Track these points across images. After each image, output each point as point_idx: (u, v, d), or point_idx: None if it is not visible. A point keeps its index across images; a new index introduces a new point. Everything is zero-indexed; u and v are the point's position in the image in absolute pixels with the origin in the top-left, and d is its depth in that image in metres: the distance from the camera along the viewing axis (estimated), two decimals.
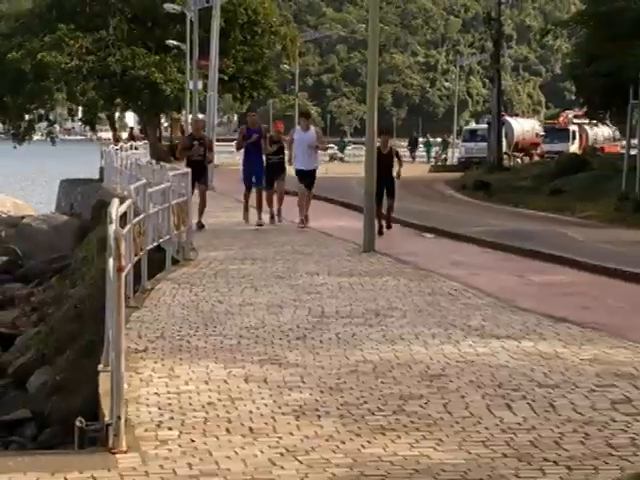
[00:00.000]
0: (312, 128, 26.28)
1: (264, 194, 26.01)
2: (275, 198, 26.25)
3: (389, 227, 24.27)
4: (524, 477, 7.07)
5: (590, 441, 7.92)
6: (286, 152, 26.33)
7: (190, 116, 50.78)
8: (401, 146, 58.35)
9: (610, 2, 36.39)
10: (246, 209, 26.01)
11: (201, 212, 24.64)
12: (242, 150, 27.08)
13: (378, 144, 23.01)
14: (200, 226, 24.12)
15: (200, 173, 24.19)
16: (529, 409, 8.83)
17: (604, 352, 11.20)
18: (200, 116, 48.25)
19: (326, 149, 28.73)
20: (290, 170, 26.07)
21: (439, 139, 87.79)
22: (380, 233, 22.81)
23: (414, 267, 18.36)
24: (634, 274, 17.81)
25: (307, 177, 25.23)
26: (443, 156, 76.99)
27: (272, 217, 25.96)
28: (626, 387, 9.60)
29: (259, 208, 25.44)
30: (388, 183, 23.99)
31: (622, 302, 15.22)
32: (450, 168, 66.55)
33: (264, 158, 25.86)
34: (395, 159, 24.92)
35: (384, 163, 23.25)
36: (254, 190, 26.08)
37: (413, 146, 79.04)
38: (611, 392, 9.40)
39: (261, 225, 24.99)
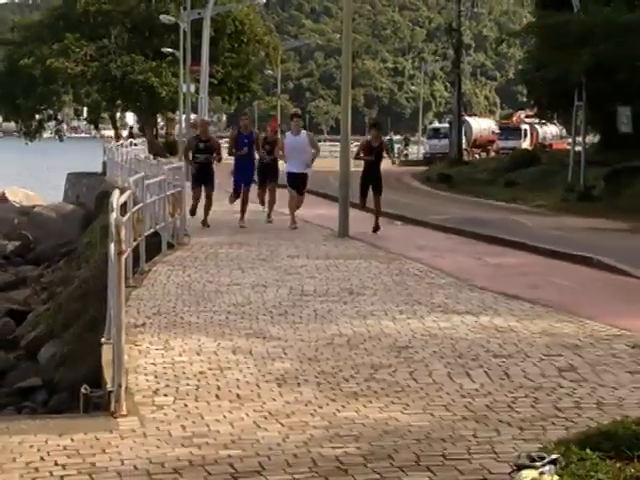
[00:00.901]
0: (303, 132, 22.53)
1: (257, 191, 24.38)
2: (267, 199, 24.00)
3: (376, 229, 21.60)
4: (481, 437, 7.09)
5: (539, 405, 7.95)
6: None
7: (184, 116, 50.53)
8: None
9: (557, 15, 36.49)
10: (243, 210, 22.74)
11: (207, 212, 22.30)
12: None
13: (369, 138, 22.08)
14: (205, 224, 22.16)
15: (206, 176, 22.18)
16: (486, 376, 8.86)
17: (552, 326, 11.23)
18: (192, 116, 48.06)
19: (317, 155, 23.07)
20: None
21: (401, 137, 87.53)
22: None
23: (384, 251, 18.35)
24: (578, 256, 17.88)
25: (298, 181, 22.02)
26: (405, 152, 76.75)
27: (269, 216, 23.45)
28: (571, 356, 9.64)
29: (243, 210, 22.67)
30: (376, 178, 21.56)
31: (568, 281, 15.25)
32: (416, 162, 66.63)
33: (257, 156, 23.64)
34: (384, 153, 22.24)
35: (374, 157, 21.44)
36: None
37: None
38: (558, 361, 9.44)
39: (243, 227, 22.13)
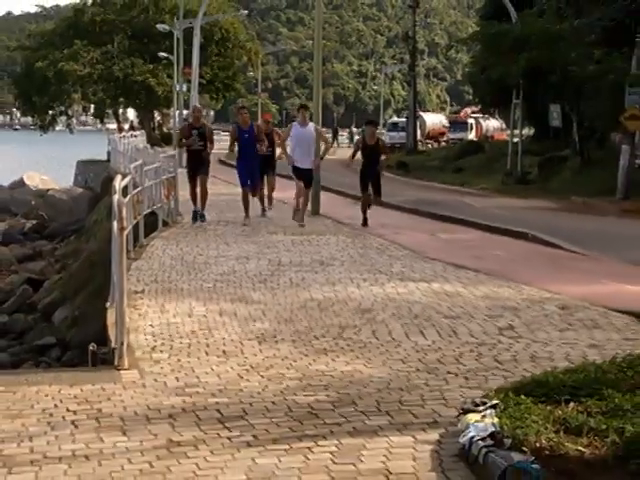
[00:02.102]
0: (311, 124, 18.90)
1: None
2: (265, 192, 20.39)
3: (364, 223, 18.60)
4: (432, 385, 7.12)
5: (482, 358, 7.99)
6: (277, 149, 20.40)
7: (177, 112, 50.30)
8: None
9: (497, 25, 36.61)
10: (246, 209, 18.84)
11: (204, 202, 18.74)
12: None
13: (364, 136, 19.53)
14: (201, 215, 18.71)
15: (200, 163, 18.56)
16: (437, 334, 8.88)
17: (493, 291, 11.27)
18: (185, 112, 47.73)
19: (328, 147, 20.14)
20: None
21: (360, 129, 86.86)
22: (365, 225, 18.49)
23: (350, 228, 18.34)
24: (516, 232, 17.94)
25: (304, 175, 18.52)
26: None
27: (263, 211, 19.89)
28: (510, 317, 9.68)
29: (247, 207, 18.79)
30: (373, 178, 18.61)
31: (507, 253, 15.32)
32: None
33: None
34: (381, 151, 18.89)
35: (370, 155, 18.47)
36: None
37: (334, 134, 78.44)
38: (498, 321, 9.48)
39: (246, 225, 18.12)
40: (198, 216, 18.71)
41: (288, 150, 18.91)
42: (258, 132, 18.85)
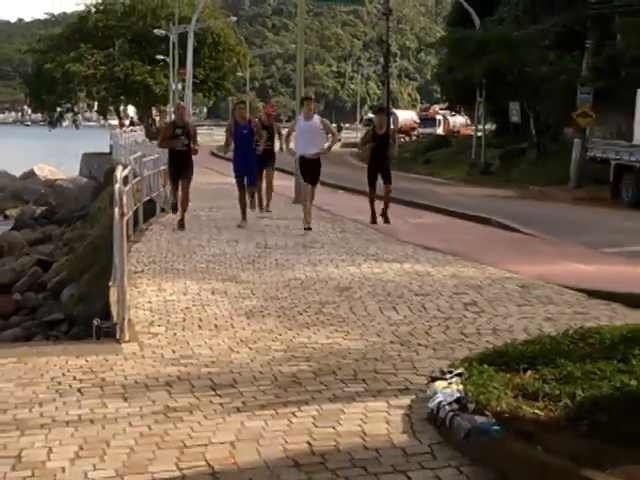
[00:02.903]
0: (316, 117, 15.64)
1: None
2: (263, 189, 18.27)
3: (386, 221, 16.49)
4: (404, 356, 7.13)
5: (449, 331, 8.00)
6: (276, 142, 18.28)
7: (173, 109, 50.07)
8: None
9: (462, 31, 36.70)
10: (243, 211, 16.06)
11: (184, 209, 15.67)
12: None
13: (372, 127, 17.37)
14: (180, 225, 15.41)
15: (183, 165, 15.52)
16: (408, 310, 8.89)
17: (459, 270, 11.29)
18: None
19: (335, 139, 16.83)
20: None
21: (335, 124, 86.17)
22: (374, 222, 16.44)
23: (330, 213, 18.31)
24: (480, 217, 17.98)
25: (311, 167, 15.36)
26: (338, 137, 75.75)
27: (261, 208, 17.99)
28: (474, 294, 9.70)
29: (244, 209, 16.04)
30: (383, 168, 16.44)
31: (471, 236, 15.34)
32: (354, 145, 66.34)
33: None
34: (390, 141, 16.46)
35: (379, 146, 16.15)
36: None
37: (339, 128, 78.15)
38: (463, 298, 9.49)
39: (242, 227, 15.57)
40: (173, 207, 16.36)
41: (291, 145, 16.33)
42: (257, 128, 16.23)
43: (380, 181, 16.65)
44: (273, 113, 17.90)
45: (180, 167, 15.57)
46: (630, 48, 26.24)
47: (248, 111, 19.28)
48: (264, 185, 18.31)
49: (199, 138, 17.20)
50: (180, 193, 15.79)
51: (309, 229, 15.03)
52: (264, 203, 18.27)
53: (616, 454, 4.43)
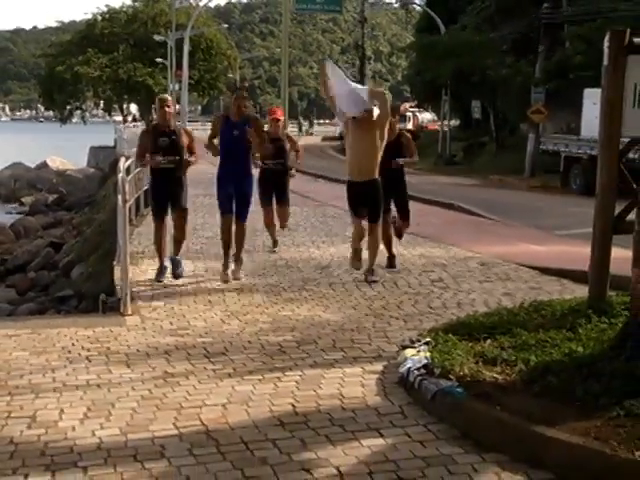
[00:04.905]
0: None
1: (262, 212, 11.16)
2: (277, 224, 11.44)
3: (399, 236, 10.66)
4: (378, 327, 7.12)
5: (418, 305, 8.00)
6: (292, 157, 11.21)
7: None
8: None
9: (429, 37, 36.70)
10: (226, 253, 9.10)
11: (178, 248, 9.39)
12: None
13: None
14: (173, 261, 9.27)
15: (172, 188, 9.08)
16: (381, 286, 8.89)
17: (428, 250, 11.31)
18: (177, 106, 47.21)
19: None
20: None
21: (306, 120, 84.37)
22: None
23: (312, 200, 18.24)
24: (445, 203, 17.96)
25: (365, 196, 9.45)
26: (310, 131, 74.90)
27: (275, 244, 11.30)
28: (440, 272, 9.71)
29: (226, 250, 9.08)
30: (396, 191, 10.43)
31: (438, 220, 15.33)
32: (333, 138, 66.14)
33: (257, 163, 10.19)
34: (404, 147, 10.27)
35: (389, 151, 9.41)
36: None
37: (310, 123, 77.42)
38: (431, 275, 9.50)
39: (226, 282, 8.86)
40: (164, 269, 9.16)
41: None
42: (256, 130, 8.84)
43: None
44: (282, 118, 11.10)
45: (166, 192, 9.13)
46: (578, 53, 26.31)
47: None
48: (276, 221, 11.36)
49: (195, 133, 11.38)
50: (174, 230, 9.46)
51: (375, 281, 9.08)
52: (272, 238, 11.42)
53: (564, 413, 4.45)
